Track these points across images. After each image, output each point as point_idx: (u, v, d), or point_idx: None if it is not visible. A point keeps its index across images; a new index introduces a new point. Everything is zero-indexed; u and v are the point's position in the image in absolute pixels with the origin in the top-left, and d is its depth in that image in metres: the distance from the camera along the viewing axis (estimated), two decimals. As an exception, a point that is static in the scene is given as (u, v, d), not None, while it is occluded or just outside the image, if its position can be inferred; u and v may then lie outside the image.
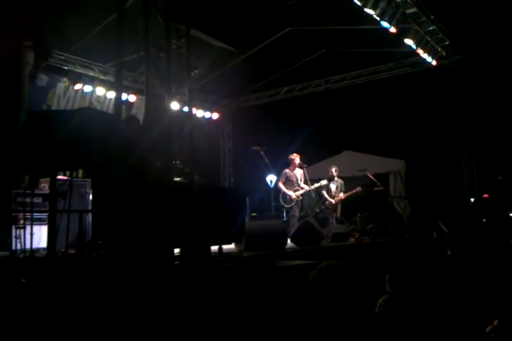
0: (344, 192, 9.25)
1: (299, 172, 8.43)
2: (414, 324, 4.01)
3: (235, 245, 5.82)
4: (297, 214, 8.40)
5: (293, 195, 8.37)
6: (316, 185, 8.58)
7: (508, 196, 11.16)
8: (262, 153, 8.01)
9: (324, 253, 6.18)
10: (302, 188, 8.35)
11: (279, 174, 8.84)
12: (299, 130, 12.08)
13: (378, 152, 12.37)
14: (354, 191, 8.84)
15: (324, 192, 9.27)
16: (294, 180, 8.45)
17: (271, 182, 8.70)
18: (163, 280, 3.66)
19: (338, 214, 9.17)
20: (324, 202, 9.32)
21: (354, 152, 12.76)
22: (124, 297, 3.38)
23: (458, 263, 6.89)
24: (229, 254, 5.13)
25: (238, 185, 12.12)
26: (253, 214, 8.61)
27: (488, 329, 3.53)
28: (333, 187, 9.34)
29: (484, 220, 10.27)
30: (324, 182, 8.68)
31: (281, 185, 8.37)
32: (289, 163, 8.53)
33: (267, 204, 9.05)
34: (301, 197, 8.42)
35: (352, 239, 7.82)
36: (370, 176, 10.00)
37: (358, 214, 9.58)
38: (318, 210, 10.81)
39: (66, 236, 4.35)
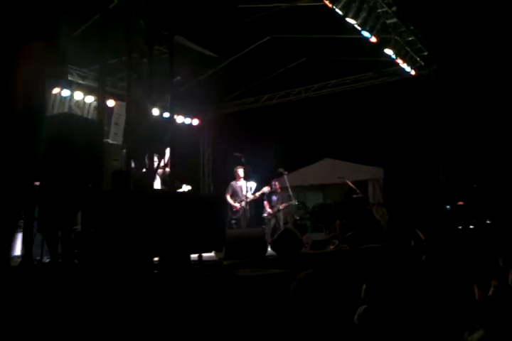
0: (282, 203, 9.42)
1: (243, 184, 8.56)
2: (391, 333, 4.03)
3: (215, 253, 5.77)
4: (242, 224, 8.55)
5: (237, 205, 8.48)
6: (258, 193, 8.75)
7: (482, 203, 11.38)
8: (242, 159, 8.01)
9: (304, 261, 6.18)
10: (247, 198, 8.48)
11: (258, 181, 8.88)
12: (280, 137, 12.12)
13: (357, 160, 12.48)
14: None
15: (265, 202, 9.43)
16: (238, 191, 8.59)
17: (250, 189, 8.70)
18: (141, 289, 3.60)
19: (281, 222, 9.23)
20: (264, 211, 9.52)
21: (334, 160, 12.85)
22: (101, 306, 3.31)
23: (432, 269, 6.98)
24: (209, 262, 5.09)
25: (218, 191, 12.06)
26: (233, 220, 8.56)
27: (466, 334, 3.56)
28: (274, 198, 9.49)
29: (459, 227, 10.46)
30: (266, 189, 8.82)
31: (227, 198, 8.55)
32: (234, 176, 8.70)
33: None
34: (242, 206, 8.50)
35: (331, 247, 7.84)
36: (350, 183, 10.08)
37: (337, 221, 9.63)
38: (297, 217, 10.85)
39: (41, 244, 4.27)
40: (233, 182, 8.70)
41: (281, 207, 9.33)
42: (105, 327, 3.17)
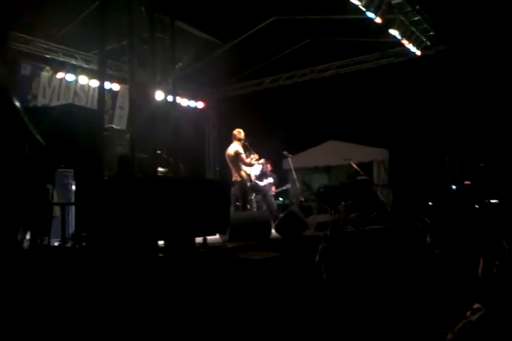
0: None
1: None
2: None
3: (220, 236, 5.86)
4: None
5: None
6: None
7: (489, 183, 11.38)
8: (246, 144, 8.00)
9: (308, 243, 6.26)
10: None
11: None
12: (284, 119, 12.11)
13: (362, 141, 12.46)
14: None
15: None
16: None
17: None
18: (147, 272, 3.69)
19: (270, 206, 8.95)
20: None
21: (338, 141, 12.84)
22: (107, 289, 3.40)
23: (435, 249, 7.05)
24: (213, 245, 5.17)
25: (223, 174, 12.13)
26: (238, 203, 8.63)
27: (468, 313, 3.63)
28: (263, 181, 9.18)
29: (466, 207, 10.49)
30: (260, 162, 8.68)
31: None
32: None
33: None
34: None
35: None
36: (354, 165, 10.08)
37: (342, 203, 9.66)
38: (303, 199, 10.92)
39: (49, 228, 4.37)
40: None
41: (272, 191, 9.22)
42: (110, 310, 3.27)
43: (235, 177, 7.76)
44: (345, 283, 4.89)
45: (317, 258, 5.16)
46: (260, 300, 3.80)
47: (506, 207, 9.96)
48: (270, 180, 9.13)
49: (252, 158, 8.05)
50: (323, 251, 5.06)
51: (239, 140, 7.87)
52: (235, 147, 7.76)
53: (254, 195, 8.61)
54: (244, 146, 7.88)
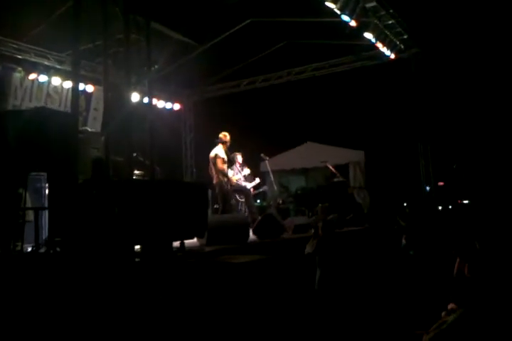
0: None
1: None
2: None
3: (198, 239, 5.81)
4: None
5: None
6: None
7: (462, 183, 11.62)
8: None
9: (285, 246, 6.27)
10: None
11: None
12: (262, 121, 12.12)
13: (339, 143, 12.56)
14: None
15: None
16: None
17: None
18: (123, 278, 3.63)
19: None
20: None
21: (315, 143, 12.92)
22: (83, 295, 3.33)
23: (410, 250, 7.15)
24: (191, 249, 5.12)
25: (201, 176, 12.07)
26: (215, 206, 8.58)
27: (443, 314, 3.67)
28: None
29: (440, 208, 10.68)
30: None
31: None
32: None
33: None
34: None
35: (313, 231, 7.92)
36: (331, 167, 10.16)
37: (319, 205, 9.71)
38: (280, 201, 10.93)
39: (21, 234, 4.26)
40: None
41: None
42: (86, 317, 3.20)
43: (215, 180, 7.76)
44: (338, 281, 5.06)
45: (307, 249, 5.34)
46: (242, 305, 3.78)
47: (477, 207, 10.18)
48: (247, 171, 8.97)
49: (244, 175, 8.39)
50: (319, 244, 5.22)
51: (223, 143, 7.93)
52: (216, 150, 7.83)
53: (236, 196, 8.60)
54: (227, 152, 7.94)
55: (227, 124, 10.45)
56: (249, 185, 8.78)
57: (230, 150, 8.27)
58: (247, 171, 8.88)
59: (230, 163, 8.51)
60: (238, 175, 8.58)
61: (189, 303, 3.60)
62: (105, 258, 3.80)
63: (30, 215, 4.49)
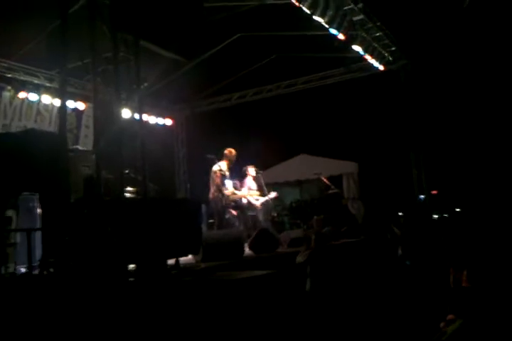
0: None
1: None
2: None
3: (193, 256, 5.74)
4: None
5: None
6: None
7: (455, 192, 11.65)
8: (216, 161, 7.96)
9: (281, 260, 6.21)
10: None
11: (233, 179, 8.80)
12: (254, 135, 12.12)
13: (332, 155, 12.59)
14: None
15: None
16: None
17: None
18: (118, 298, 3.56)
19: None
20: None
21: (308, 155, 12.94)
22: (77, 317, 3.27)
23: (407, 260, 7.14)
24: (186, 266, 5.06)
25: (194, 191, 12.01)
26: (210, 220, 8.51)
27: (441, 325, 3.64)
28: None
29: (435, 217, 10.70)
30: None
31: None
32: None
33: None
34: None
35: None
36: (324, 180, 10.16)
37: (314, 217, 9.70)
38: (275, 214, 10.88)
39: (12, 255, 4.20)
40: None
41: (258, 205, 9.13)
42: (82, 337, 3.14)
43: (211, 195, 7.73)
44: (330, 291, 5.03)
45: (299, 259, 5.34)
46: (241, 324, 3.72)
47: (470, 216, 10.22)
48: (273, 194, 8.98)
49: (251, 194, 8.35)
50: (311, 255, 5.27)
51: (227, 159, 7.95)
52: (218, 165, 7.82)
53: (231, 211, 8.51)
54: (229, 167, 7.98)
55: (220, 138, 10.46)
56: (261, 200, 8.70)
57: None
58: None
59: (242, 176, 8.49)
60: (245, 188, 8.51)
61: (186, 323, 3.54)
62: (99, 278, 3.74)
63: (17, 237, 4.44)
